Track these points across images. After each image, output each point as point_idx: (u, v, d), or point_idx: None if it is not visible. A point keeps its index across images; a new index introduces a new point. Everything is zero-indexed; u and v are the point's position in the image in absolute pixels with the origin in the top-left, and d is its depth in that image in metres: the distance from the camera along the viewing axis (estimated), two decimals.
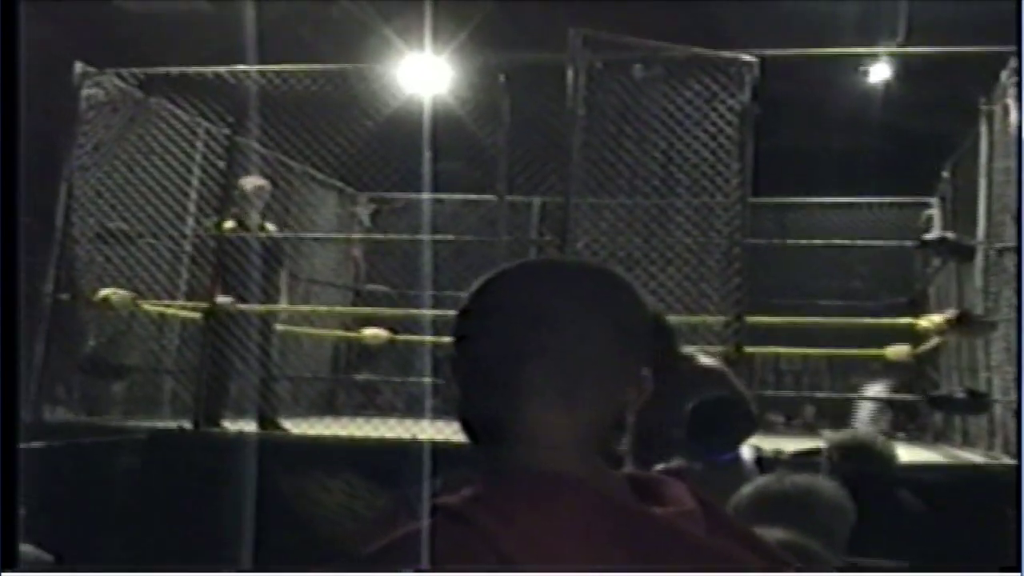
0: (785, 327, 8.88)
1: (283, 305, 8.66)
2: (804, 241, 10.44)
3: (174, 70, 8.44)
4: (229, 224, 8.14)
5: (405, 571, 1.33)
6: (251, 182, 8.38)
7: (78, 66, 8.27)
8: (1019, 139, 6.88)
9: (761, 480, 3.37)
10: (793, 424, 11.74)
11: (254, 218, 8.32)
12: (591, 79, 7.27)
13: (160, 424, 7.96)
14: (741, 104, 7.29)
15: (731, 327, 7.14)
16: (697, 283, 7.37)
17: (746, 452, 4.82)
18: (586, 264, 1.85)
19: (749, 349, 7.49)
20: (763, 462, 4.98)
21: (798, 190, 10.97)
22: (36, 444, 6.46)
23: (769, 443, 6.75)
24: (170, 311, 8.74)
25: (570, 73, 7.16)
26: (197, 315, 8.12)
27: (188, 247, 8.83)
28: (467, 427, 1.51)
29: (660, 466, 5.02)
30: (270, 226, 8.54)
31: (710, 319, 7.43)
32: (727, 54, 7.39)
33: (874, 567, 3.26)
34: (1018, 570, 3.32)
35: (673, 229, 7.56)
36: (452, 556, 1.33)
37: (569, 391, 1.46)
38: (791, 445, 6.75)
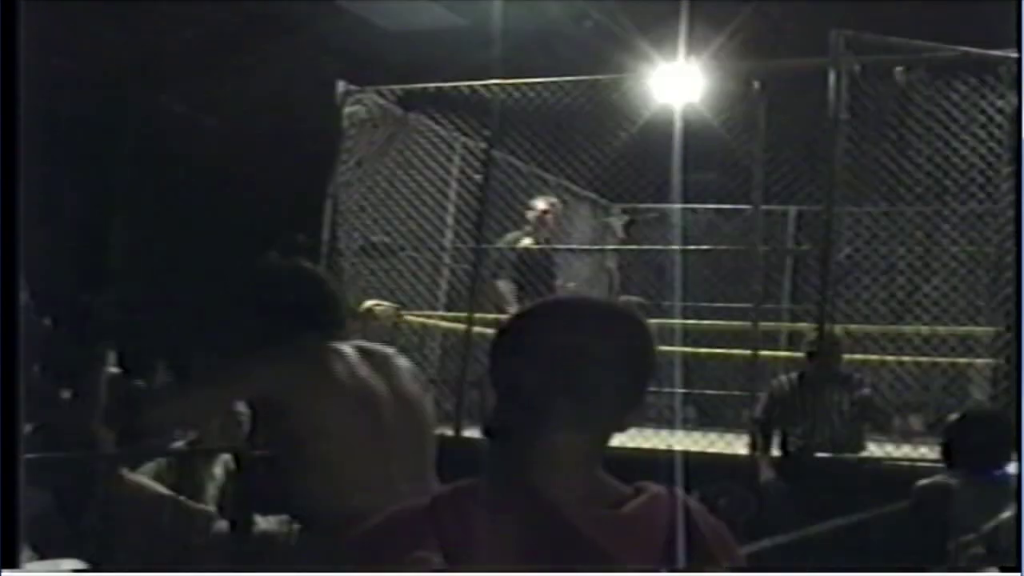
0: None
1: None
2: None
3: (432, 86, 8.66)
4: (527, 241, 8.35)
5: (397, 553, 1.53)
6: (544, 202, 8.66)
7: (340, 85, 8.54)
8: (1018, 137, 6.37)
9: None
10: None
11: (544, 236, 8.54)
12: (852, 83, 7.06)
13: None
14: (1011, 105, 6.94)
15: (1002, 339, 6.79)
16: (965, 293, 7.07)
17: (1012, 469, 4.56)
18: (606, 303, 2.05)
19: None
20: None
21: None
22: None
23: None
24: (431, 322, 8.95)
25: (832, 77, 6.95)
26: (459, 326, 8.29)
27: (447, 259, 9.04)
28: (488, 432, 1.73)
29: (924, 481, 4.83)
30: (527, 240, 8.64)
31: (978, 330, 7.11)
32: (996, 52, 7.03)
33: None
34: (1018, 570, 3.20)
35: (939, 237, 7.27)
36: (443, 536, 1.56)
37: (582, 415, 1.65)
38: None
